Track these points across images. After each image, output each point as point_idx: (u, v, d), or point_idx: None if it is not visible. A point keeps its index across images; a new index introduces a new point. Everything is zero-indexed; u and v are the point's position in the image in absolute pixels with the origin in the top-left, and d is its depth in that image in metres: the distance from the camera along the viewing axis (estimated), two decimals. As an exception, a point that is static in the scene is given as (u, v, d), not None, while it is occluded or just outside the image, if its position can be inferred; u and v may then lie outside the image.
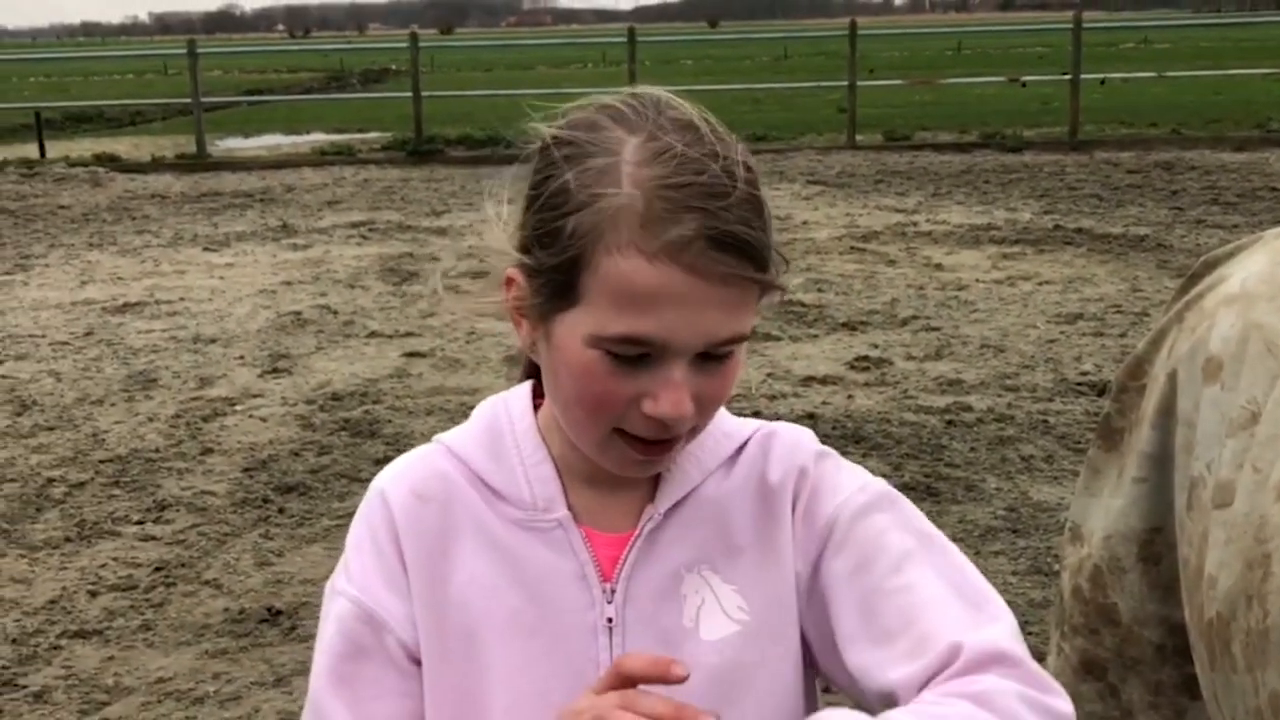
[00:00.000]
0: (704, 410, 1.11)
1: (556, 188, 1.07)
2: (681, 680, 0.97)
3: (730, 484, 1.20)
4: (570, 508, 1.17)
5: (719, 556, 1.18)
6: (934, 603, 1.09)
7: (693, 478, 1.19)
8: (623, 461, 1.13)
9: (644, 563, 1.16)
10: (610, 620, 1.15)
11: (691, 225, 1.02)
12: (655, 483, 1.19)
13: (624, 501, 1.18)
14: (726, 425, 1.23)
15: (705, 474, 1.20)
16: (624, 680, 0.97)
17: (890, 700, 1.06)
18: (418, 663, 1.17)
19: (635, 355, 1.05)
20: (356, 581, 1.17)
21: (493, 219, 1.16)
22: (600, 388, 1.07)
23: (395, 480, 1.20)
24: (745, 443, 1.22)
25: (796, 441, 1.22)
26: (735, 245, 1.04)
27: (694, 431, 1.14)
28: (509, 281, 1.12)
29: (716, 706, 1.05)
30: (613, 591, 1.15)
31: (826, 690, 1.26)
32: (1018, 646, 1.06)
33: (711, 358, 1.08)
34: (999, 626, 1.08)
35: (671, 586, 1.16)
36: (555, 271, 1.07)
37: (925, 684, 1.05)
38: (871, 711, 1.01)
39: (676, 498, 1.18)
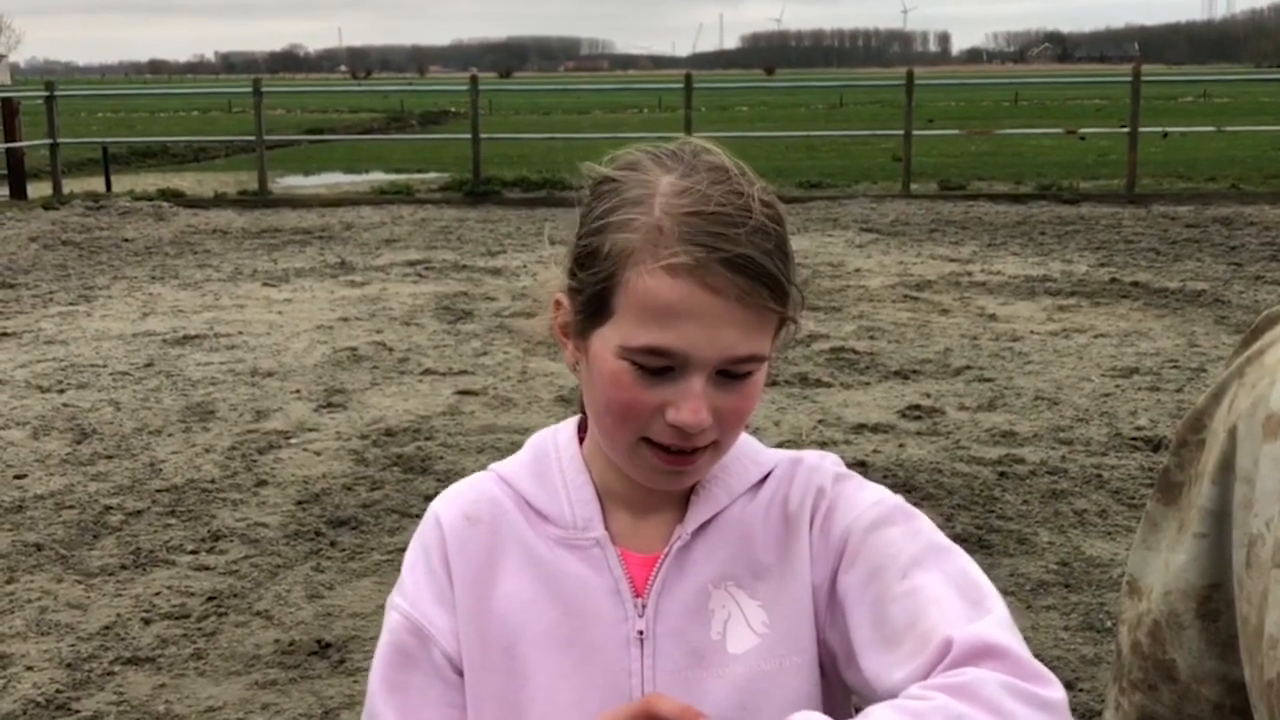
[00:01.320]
0: (724, 426, 1.19)
1: (598, 214, 1.19)
2: None
3: (755, 506, 1.28)
4: (608, 529, 1.26)
5: (744, 573, 1.25)
6: (935, 602, 1.14)
7: (720, 500, 1.27)
8: (649, 470, 1.21)
9: (674, 579, 1.24)
10: (641, 633, 1.22)
11: (710, 247, 1.12)
12: (686, 507, 1.27)
13: (657, 525, 1.27)
14: (756, 454, 1.31)
15: (732, 497, 1.28)
16: (649, 719, 1.04)
17: None
18: (461, 674, 1.25)
19: (659, 367, 1.15)
20: (409, 596, 1.27)
21: (553, 254, 1.27)
22: (628, 396, 1.16)
23: (448, 504, 1.30)
24: (772, 470, 1.30)
25: (818, 465, 1.30)
26: (749, 268, 1.13)
27: (716, 447, 1.21)
28: (556, 304, 1.24)
29: (739, 715, 1.18)
30: (644, 606, 1.23)
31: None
32: (1007, 636, 1.09)
33: (731, 376, 1.17)
34: (990, 619, 1.11)
35: (700, 602, 1.24)
36: (593, 289, 1.18)
37: (922, 681, 1.08)
38: None
39: (704, 519, 1.26)
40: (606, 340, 1.17)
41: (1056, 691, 1.06)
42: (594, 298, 1.17)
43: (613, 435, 1.20)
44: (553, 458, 1.30)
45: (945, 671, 1.07)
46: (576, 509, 1.26)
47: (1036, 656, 3.66)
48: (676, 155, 1.20)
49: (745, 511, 1.27)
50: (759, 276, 1.13)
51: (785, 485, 1.28)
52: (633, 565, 1.25)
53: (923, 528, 1.23)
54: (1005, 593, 4.85)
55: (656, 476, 1.21)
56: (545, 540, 1.26)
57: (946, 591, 1.15)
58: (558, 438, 1.32)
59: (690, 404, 1.14)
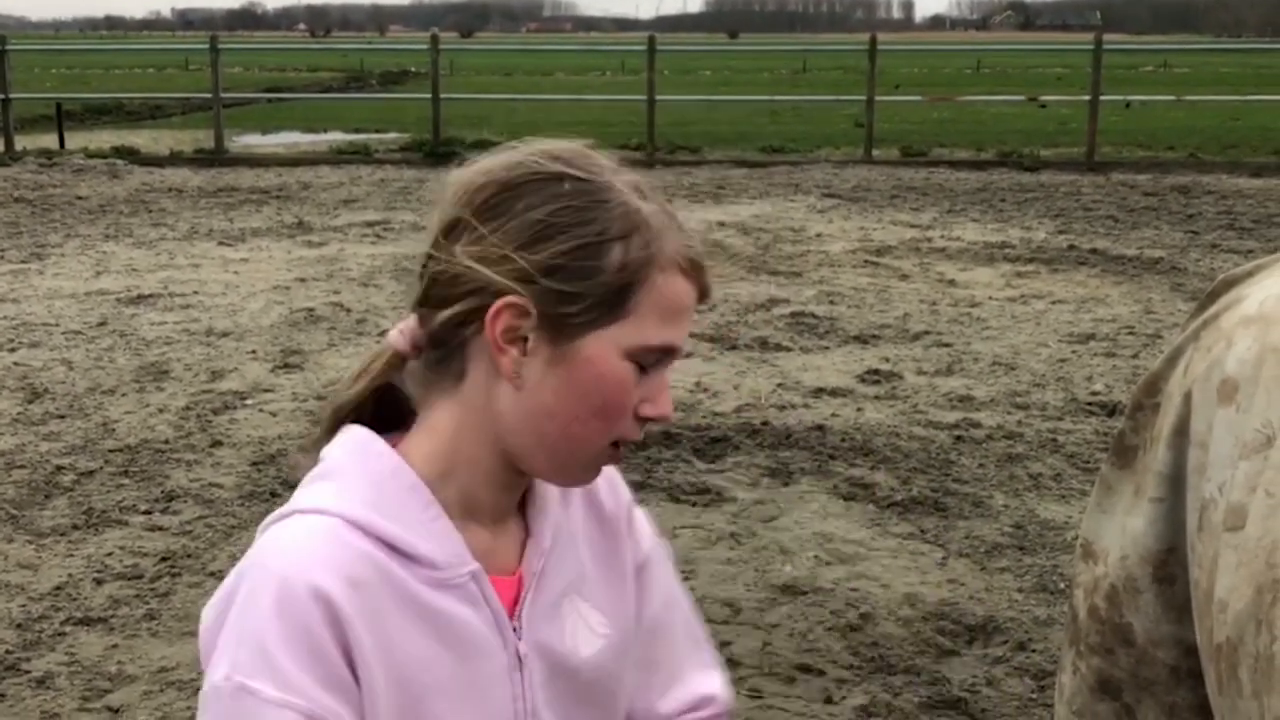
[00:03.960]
0: None
1: (601, 215, 1.14)
2: None
3: (574, 512, 1.30)
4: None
5: (580, 580, 1.28)
6: (683, 641, 1.39)
7: (551, 510, 1.26)
8: (593, 471, 1.21)
9: (535, 597, 1.24)
10: (520, 656, 1.21)
11: (699, 248, 1.19)
12: (523, 516, 1.26)
13: (507, 538, 1.24)
14: None
15: (553, 504, 1.27)
16: None
17: None
18: None
19: (653, 364, 1.16)
20: (297, 687, 1.06)
21: (476, 249, 1.14)
22: (626, 398, 1.15)
23: (319, 570, 1.09)
24: None
25: (615, 478, 1.35)
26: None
27: None
28: (500, 311, 1.13)
29: (591, 713, 1.26)
30: (515, 629, 1.21)
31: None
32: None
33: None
34: (721, 676, 1.41)
35: (554, 613, 1.25)
36: (606, 290, 1.13)
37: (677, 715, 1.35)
38: None
39: (550, 533, 1.26)
40: (613, 341, 1.13)
41: None
42: (606, 299, 1.13)
43: (588, 441, 1.16)
44: (393, 489, 1.16)
45: None
46: (443, 545, 1.16)
47: (991, 618, 3.74)
48: (590, 157, 1.19)
49: (569, 518, 1.28)
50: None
51: (591, 489, 1.31)
52: (499, 589, 1.20)
53: (671, 567, 1.40)
54: (960, 554, 4.90)
55: (593, 475, 1.22)
56: (423, 585, 1.14)
57: (687, 632, 1.39)
58: (383, 463, 1.17)
59: (665, 395, 1.18)
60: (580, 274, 1.13)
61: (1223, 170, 17.32)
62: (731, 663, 4.09)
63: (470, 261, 1.14)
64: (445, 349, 1.18)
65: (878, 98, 19.29)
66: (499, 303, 1.13)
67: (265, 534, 1.16)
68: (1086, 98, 18.95)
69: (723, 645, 4.19)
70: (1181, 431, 1.61)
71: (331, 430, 1.23)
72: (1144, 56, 54.67)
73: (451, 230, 1.16)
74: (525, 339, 1.14)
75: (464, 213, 1.15)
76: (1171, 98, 25.96)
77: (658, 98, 19.42)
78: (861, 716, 3.80)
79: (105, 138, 21.63)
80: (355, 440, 1.20)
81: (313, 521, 1.14)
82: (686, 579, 4.69)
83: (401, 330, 1.22)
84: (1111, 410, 6.57)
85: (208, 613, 1.14)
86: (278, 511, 1.18)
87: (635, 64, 26.56)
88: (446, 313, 1.15)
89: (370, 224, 12.79)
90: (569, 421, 1.15)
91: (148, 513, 5.31)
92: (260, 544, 1.14)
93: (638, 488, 5.58)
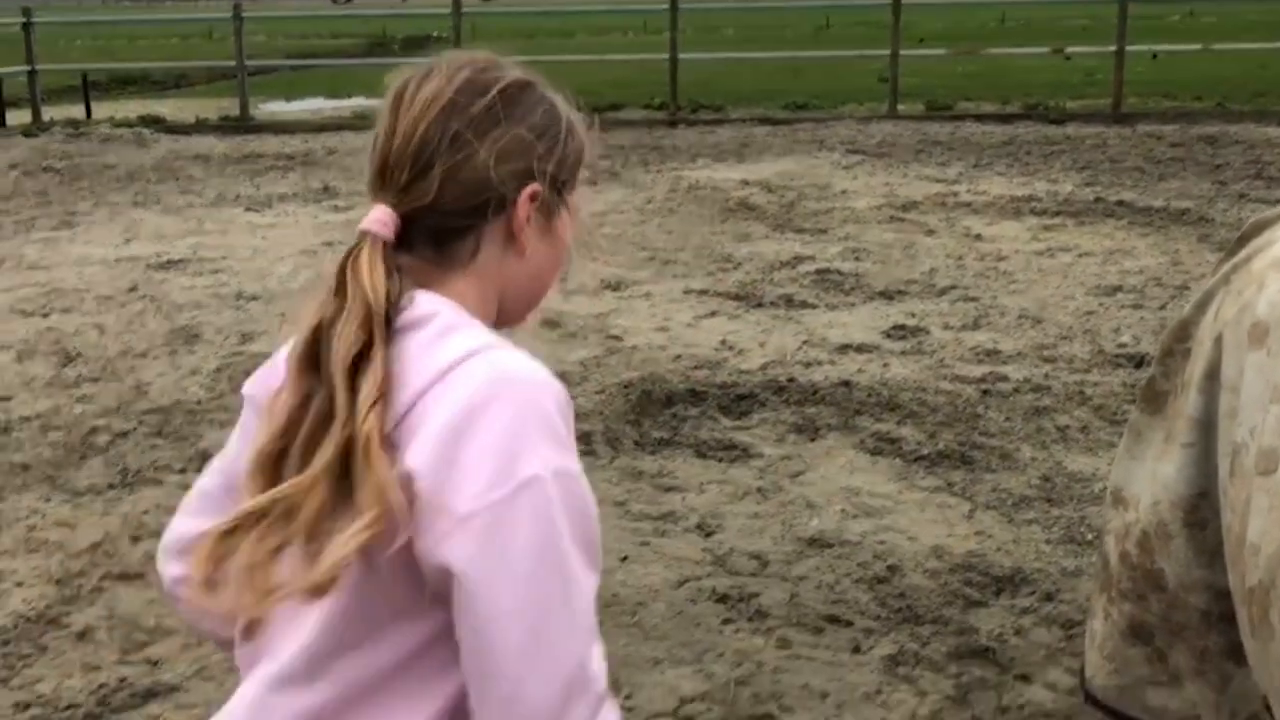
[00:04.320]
0: None
1: (559, 111, 1.47)
2: None
3: None
4: None
5: None
6: None
7: None
8: None
9: None
10: None
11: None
12: None
13: None
14: None
15: None
16: None
17: None
18: None
19: None
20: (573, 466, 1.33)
21: (499, 147, 1.41)
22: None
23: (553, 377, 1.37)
24: None
25: None
26: None
27: None
28: (528, 198, 1.43)
29: None
30: None
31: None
32: None
33: None
34: None
35: None
36: (573, 168, 1.48)
37: None
38: None
39: None
40: (570, 204, 1.49)
41: None
42: (571, 177, 1.48)
43: (552, 283, 1.52)
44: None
45: None
46: None
47: (1018, 569, 3.78)
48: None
49: None
50: None
51: None
52: None
53: None
54: (988, 507, 4.91)
55: None
56: None
57: None
58: (466, 314, 1.40)
59: None
60: (564, 160, 1.46)
61: (1250, 119, 17.12)
62: (760, 614, 4.13)
63: (497, 159, 1.40)
64: (455, 235, 1.41)
65: (902, 52, 19.13)
66: (528, 190, 1.43)
67: (477, 363, 1.32)
68: (1112, 49, 18.74)
69: (751, 597, 4.23)
70: (1212, 375, 1.61)
71: (369, 316, 1.38)
72: (1170, 5, 53.88)
73: (458, 137, 1.38)
74: (529, 217, 1.44)
75: (466, 119, 1.39)
76: (1198, 46, 25.63)
77: (680, 56, 19.30)
78: (889, 665, 3.83)
79: (132, 107, 21.67)
80: (442, 301, 1.39)
81: (516, 352, 1.37)
82: (714, 533, 4.74)
83: (383, 222, 1.41)
84: (1139, 362, 6.55)
85: (426, 444, 1.28)
86: (458, 354, 1.32)
87: (657, 23, 26.38)
88: (463, 205, 1.40)
89: (395, 187, 12.80)
90: (550, 276, 1.51)
91: (182, 471, 5.37)
92: (489, 370, 1.31)
93: (664, 444, 5.64)
